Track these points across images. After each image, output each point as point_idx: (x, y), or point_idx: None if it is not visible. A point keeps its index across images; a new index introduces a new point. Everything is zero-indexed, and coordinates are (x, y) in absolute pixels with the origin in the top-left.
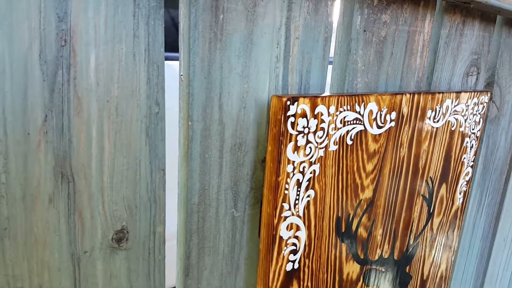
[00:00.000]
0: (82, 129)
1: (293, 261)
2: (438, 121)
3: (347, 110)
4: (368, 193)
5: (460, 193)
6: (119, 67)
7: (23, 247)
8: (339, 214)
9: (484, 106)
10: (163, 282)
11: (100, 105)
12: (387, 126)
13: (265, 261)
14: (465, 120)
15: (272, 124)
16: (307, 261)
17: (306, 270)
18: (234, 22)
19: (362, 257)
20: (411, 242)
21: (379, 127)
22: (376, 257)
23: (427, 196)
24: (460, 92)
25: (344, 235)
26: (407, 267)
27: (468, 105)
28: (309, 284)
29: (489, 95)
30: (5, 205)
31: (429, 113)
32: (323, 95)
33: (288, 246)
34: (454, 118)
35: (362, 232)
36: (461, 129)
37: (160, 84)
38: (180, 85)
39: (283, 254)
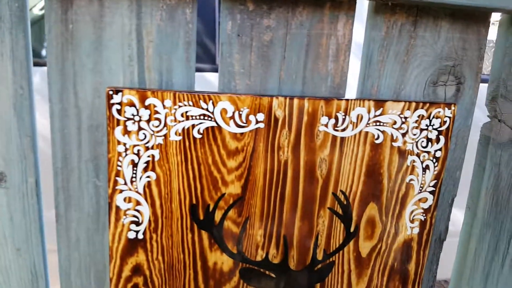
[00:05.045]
0: None
1: (137, 231)
2: (344, 130)
3: (190, 105)
4: (234, 189)
5: (412, 221)
6: None
7: None
8: (194, 202)
9: (445, 121)
10: (37, 218)
11: None
12: (252, 127)
13: (108, 224)
14: (404, 134)
15: (106, 109)
16: (154, 235)
17: (154, 243)
18: (83, 30)
19: (234, 251)
20: (320, 257)
21: (239, 126)
22: (259, 258)
23: (340, 212)
24: (384, 101)
25: (203, 223)
26: (317, 285)
27: (406, 118)
28: (160, 258)
29: (452, 108)
30: None
31: (324, 119)
32: (155, 89)
33: (127, 216)
34: (378, 129)
35: (230, 226)
36: (395, 144)
37: (24, 75)
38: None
39: (122, 222)
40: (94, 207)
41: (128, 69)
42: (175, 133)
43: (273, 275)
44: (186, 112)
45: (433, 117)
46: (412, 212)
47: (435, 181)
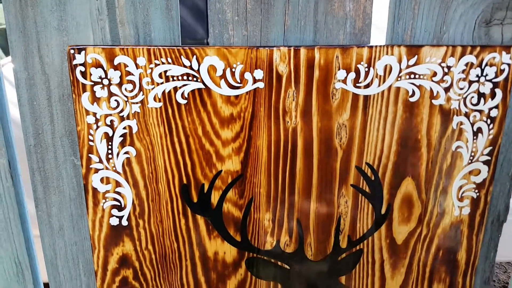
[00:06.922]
0: None
1: (120, 217)
2: (368, 86)
3: (169, 63)
4: (232, 165)
5: (461, 199)
6: None
7: None
8: (184, 181)
9: (502, 70)
10: (15, 204)
11: None
12: (249, 87)
13: (86, 209)
14: (448, 89)
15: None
16: (140, 221)
17: (142, 231)
18: None
19: (238, 239)
20: (343, 245)
21: (233, 87)
22: (268, 247)
23: (368, 190)
24: (420, 46)
25: (197, 206)
26: (342, 277)
27: (449, 67)
28: (151, 247)
29: None
30: None
31: (341, 74)
32: (126, 46)
33: (107, 199)
34: (412, 84)
35: (231, 209)
36: (436, 102)
37: None
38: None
39: (102, 206)
40: (76, 190)
41: (98, 24)
42: (154, 99)
43: (286, 266)
44: (165, 71)
45: (486, 65)
46: (460, 187)
47: (491, 148)
